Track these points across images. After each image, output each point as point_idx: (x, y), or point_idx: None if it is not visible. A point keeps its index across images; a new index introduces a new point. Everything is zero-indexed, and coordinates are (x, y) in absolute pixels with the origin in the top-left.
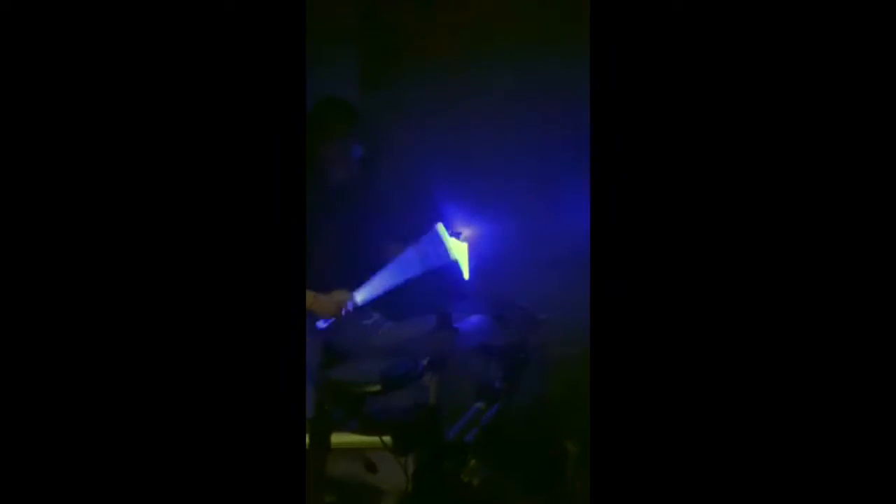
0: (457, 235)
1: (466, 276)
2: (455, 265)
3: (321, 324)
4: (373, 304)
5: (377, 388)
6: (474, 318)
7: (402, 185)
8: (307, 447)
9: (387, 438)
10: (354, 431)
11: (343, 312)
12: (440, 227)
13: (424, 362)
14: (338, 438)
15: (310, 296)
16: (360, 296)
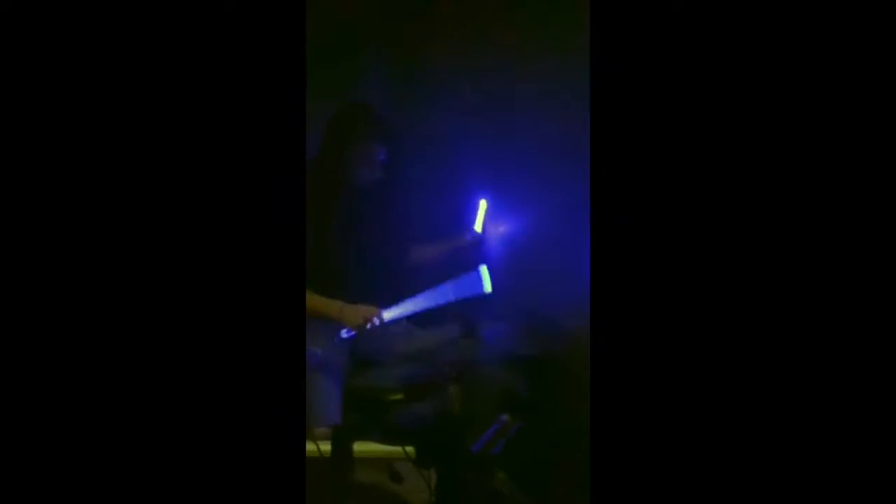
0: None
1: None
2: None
3: (345, 334)
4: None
5: (400, 395)
6: (501, 327)
7: (426, 185)
8: (330, 455)
9: (410, 448)
10: (377, 440)
11: (368, 327)
12: (483, 269)
13: (449, 371)
14: (360, 447)
15: (337, 305)
16: (388, 314)
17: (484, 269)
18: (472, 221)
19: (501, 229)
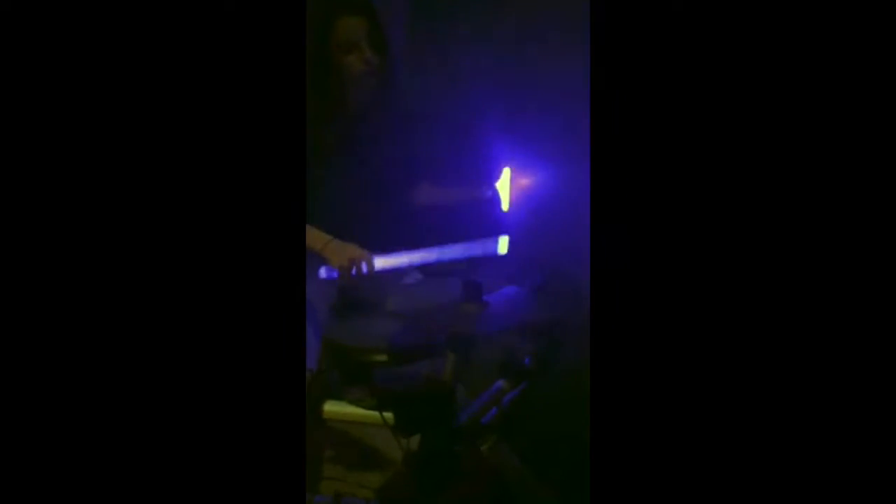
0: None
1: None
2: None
3: (324, 272)
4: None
5: (384, 357)
6: (509, 291)
7: (434, 126)
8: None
9: (388, 415)
10: (355, 401)
11: (353, 272)
12: (503, 240)
13: (443, 337)
14: (334, 407)
15: (324, 239)
16: (380, 262)
17: (503, 240)
18: (489, 173)
19: (521, 183)
